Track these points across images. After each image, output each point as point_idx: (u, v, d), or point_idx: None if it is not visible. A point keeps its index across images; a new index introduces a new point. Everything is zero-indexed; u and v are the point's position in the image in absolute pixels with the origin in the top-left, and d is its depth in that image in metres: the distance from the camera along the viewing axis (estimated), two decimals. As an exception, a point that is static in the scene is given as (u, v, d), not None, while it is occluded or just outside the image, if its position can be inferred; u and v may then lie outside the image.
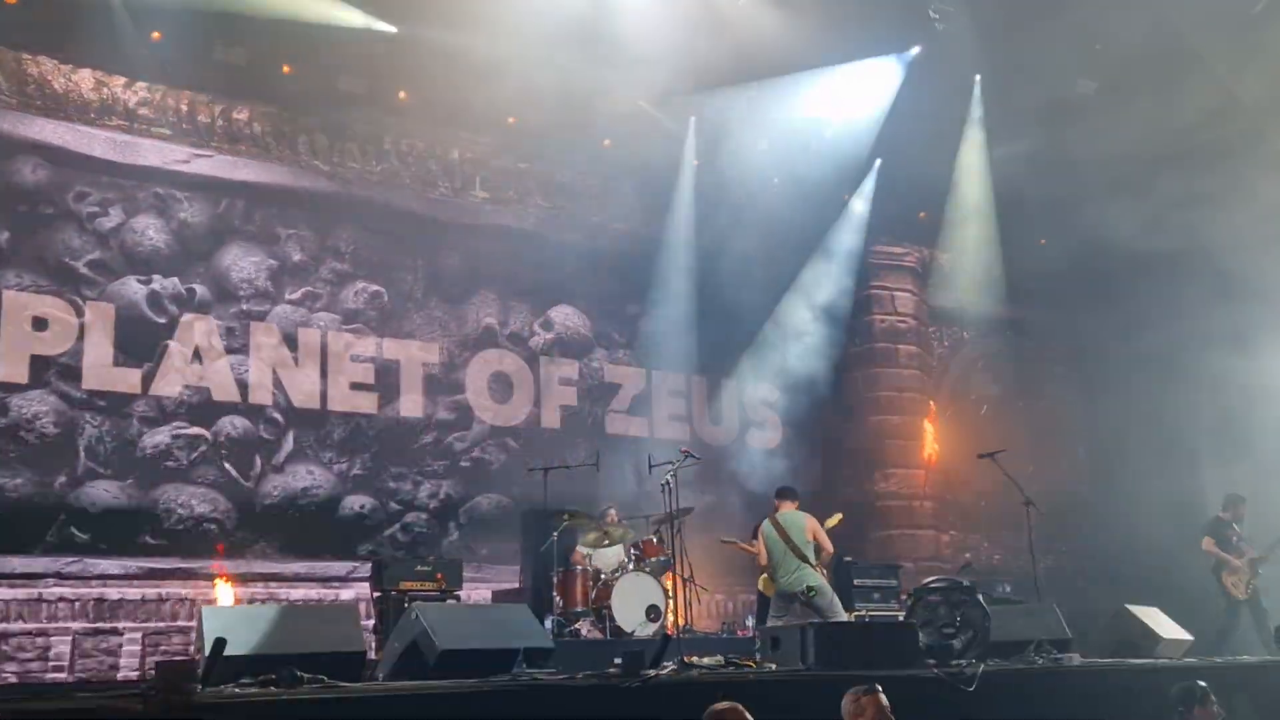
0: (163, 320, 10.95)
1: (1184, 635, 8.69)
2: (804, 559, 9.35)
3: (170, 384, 10.90)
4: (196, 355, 11.06)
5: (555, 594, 9.55)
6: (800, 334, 13.96)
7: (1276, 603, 11.00)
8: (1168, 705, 6.35)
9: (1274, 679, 8.19)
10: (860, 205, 14.36)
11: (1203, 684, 6.36)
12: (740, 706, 4.93)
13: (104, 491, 10.42)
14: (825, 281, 14.28)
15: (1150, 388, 14.18)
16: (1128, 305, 14.44)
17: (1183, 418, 14.43)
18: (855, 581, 10.92)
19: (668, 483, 9.22)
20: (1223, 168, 12.63)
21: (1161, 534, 13.53)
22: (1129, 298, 14.24)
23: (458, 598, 9.37)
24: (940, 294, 15.55)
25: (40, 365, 10.32)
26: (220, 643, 5.14)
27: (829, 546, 9.67)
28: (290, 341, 11.60)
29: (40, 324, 10.37)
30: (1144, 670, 7.71)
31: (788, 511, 9.64)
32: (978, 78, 13.12)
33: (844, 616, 9.42)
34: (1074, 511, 14.68)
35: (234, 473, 11.05)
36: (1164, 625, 8.67)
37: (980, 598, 7.76)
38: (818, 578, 9.37)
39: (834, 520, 10.44)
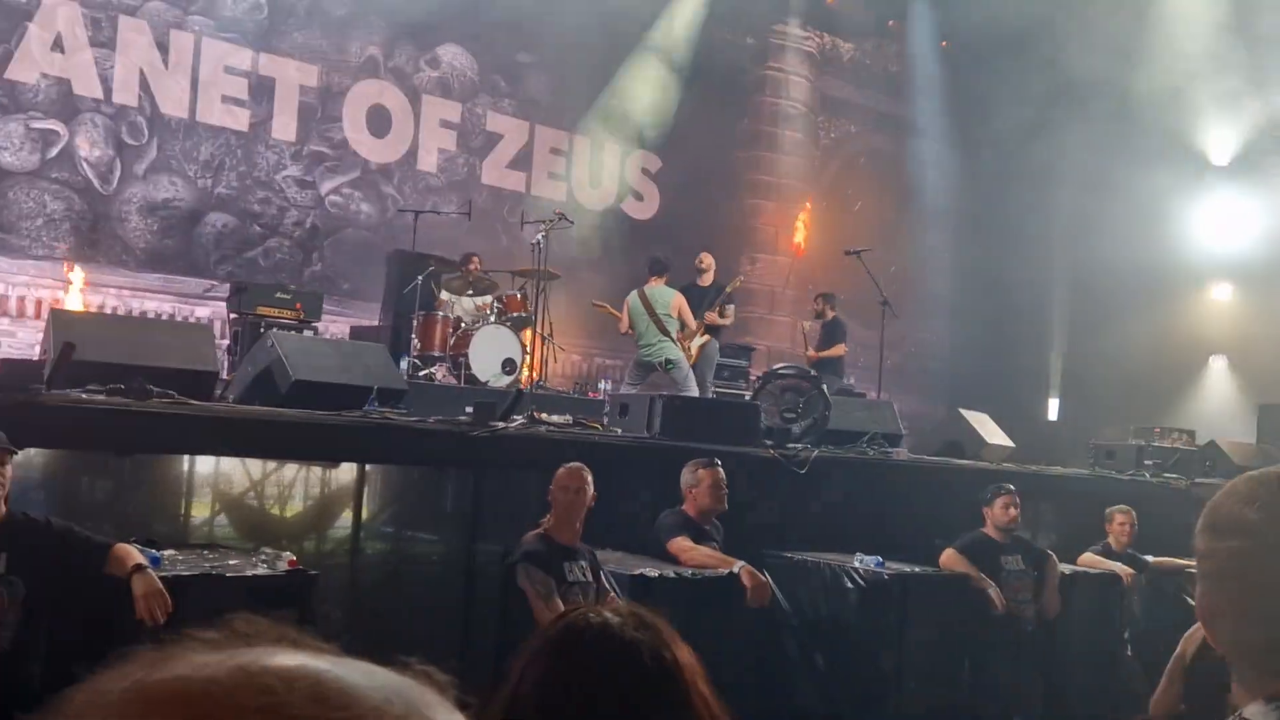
0: (23, 0, 10.24)
1: (1007, 442, 9.22)
2: (665, 333, 9.65)
3: (27, 70, 10.28)
4: (58, 44, 10.42)
5: (414, 336, 9.58)
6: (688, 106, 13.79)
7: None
8: (980, 500, 6.82)
9: (1074, 487, 8.83)
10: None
11: (1009, 485, 6.82)
12: (583, 468, 5.13)
13: (-50, 177, 9.94)
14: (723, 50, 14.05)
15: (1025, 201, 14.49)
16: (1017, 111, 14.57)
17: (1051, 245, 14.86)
18: (709, 358, 11.16)
19: (538, 242, 9.23)
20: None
21: (1005, 343, 14.21)
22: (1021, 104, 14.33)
23: (315, 329, 9.32)
24: (835, 84, 15.49)
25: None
26: (69, 346, 5.06)
27: (692, 323, 9.95)
28: (161, 45, 10.99)
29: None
30: (965, 470, 8.19)
31: (657, 286, 9.87)
32: None
33: (695, 391, 9.74)
34: (929, 316, 15.20)
35: (91, 175, 10.61)
36: (990, 430, 9.17)
37: (824, 388, 8.09)
38: (677, 351, 9.68)
39: (735, 283, 10.70)
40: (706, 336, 10.33)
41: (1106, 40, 13.06)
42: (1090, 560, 7.37)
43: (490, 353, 9.45)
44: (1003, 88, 13.68)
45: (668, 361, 9.60)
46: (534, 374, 9.49)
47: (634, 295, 9.93)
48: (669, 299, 9.81)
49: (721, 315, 10.44)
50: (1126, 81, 13.01)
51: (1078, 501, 8.59)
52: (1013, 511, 6.66)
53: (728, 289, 10.45)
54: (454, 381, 9.40)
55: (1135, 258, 12.84)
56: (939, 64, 15.53)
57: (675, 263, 10.42)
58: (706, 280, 10.63)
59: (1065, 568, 6.98)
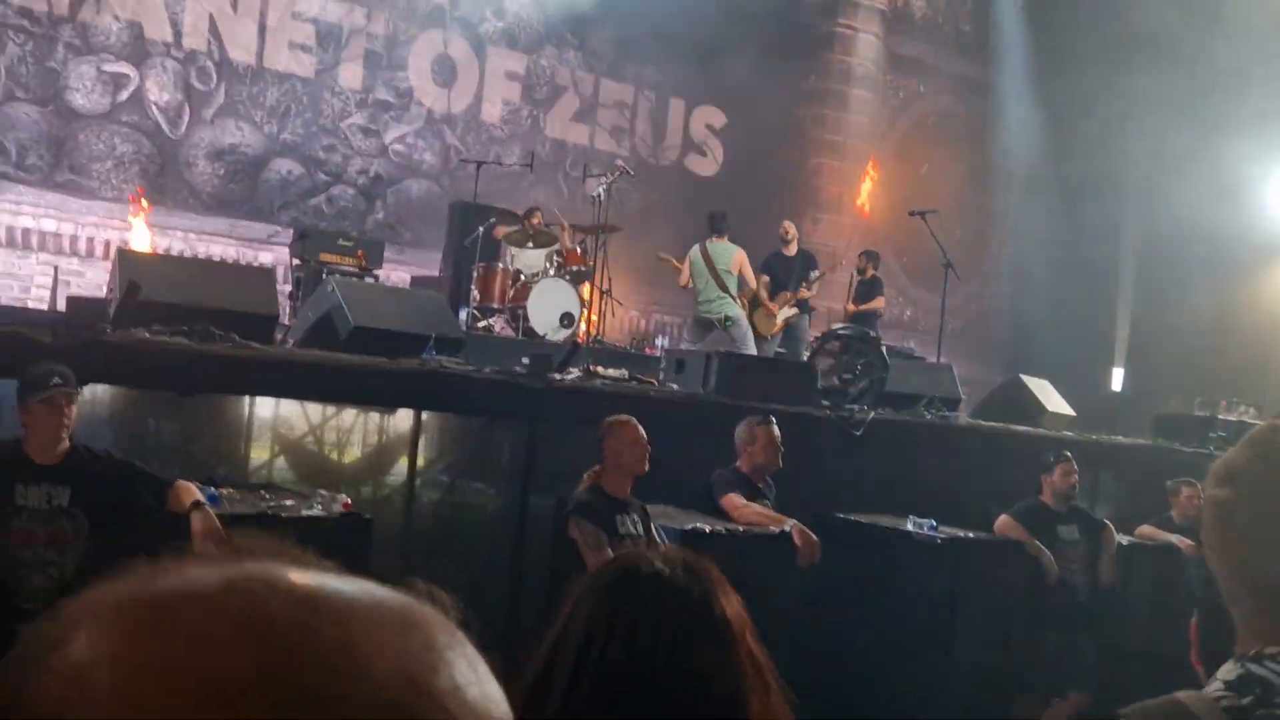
0: (97, -57, 10.33)
1: (1068, 410, 9.09)
2: (725, 289, 9.65)
3: (100, 13, 10.38)
4: (130, -12, 10.50)
5: (473, 287, 9.60)
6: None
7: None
8: (1038, 467, 6.73)
9: (1136, 459, 8.70)
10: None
11: (1067, 452, 6.73)
12: (634, 420, 5.13)
13: (24, 115, 10.08)
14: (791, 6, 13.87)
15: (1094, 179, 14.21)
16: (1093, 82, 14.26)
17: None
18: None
19: (599, 195, 9.20)
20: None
21: (1070, 311, 13.97)
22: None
23: (376, 277, 9.39)
24: (905, 43, 15.23)
25: (-39, -29, 9.75)
26: (134, 286, 5.13)
27: (752, 282, 9.98)
28: (230, -12, 11.05)
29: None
30: (1023, 436, 8.10)
31: (719, 243, 9.89)
32: None
33: (753, 349, 9.73)
34: (993, 280, 15.00)
35: (160, 119, 10.72)
36: (1051, 398, 9.05)
37: (883, 349, 8.01)
38: (736, 309, 9.68)
39: (830, 269, 10.93)
40: (795, 310, 10.33)
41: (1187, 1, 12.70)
42: (1148, 532, 7.27)
43: (549, 305, 9.45)
44: (1078, 48, 13.38)
45: (726, 318, 9.60)
46: (590, 329, 9.50)
47: (695, 250, 9.95)
48: (730, 255, 9.82)
49: (809, 288, 10.48)
50: (1210, 46, 12.64)
51: (1139, 473, 8.47)
52: (1072, 479, 6.58)
53: (823, 273, 10.47)
54: (512, 334, 9.43)
55: (1207, 228, 12.54)
56: (1016, 24, 15.20)
57: (737, 221, 10.36)
58: (791, 250, 10.63)
59: (1123, 538, 6.89)
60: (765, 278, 10.67)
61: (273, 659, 0.47)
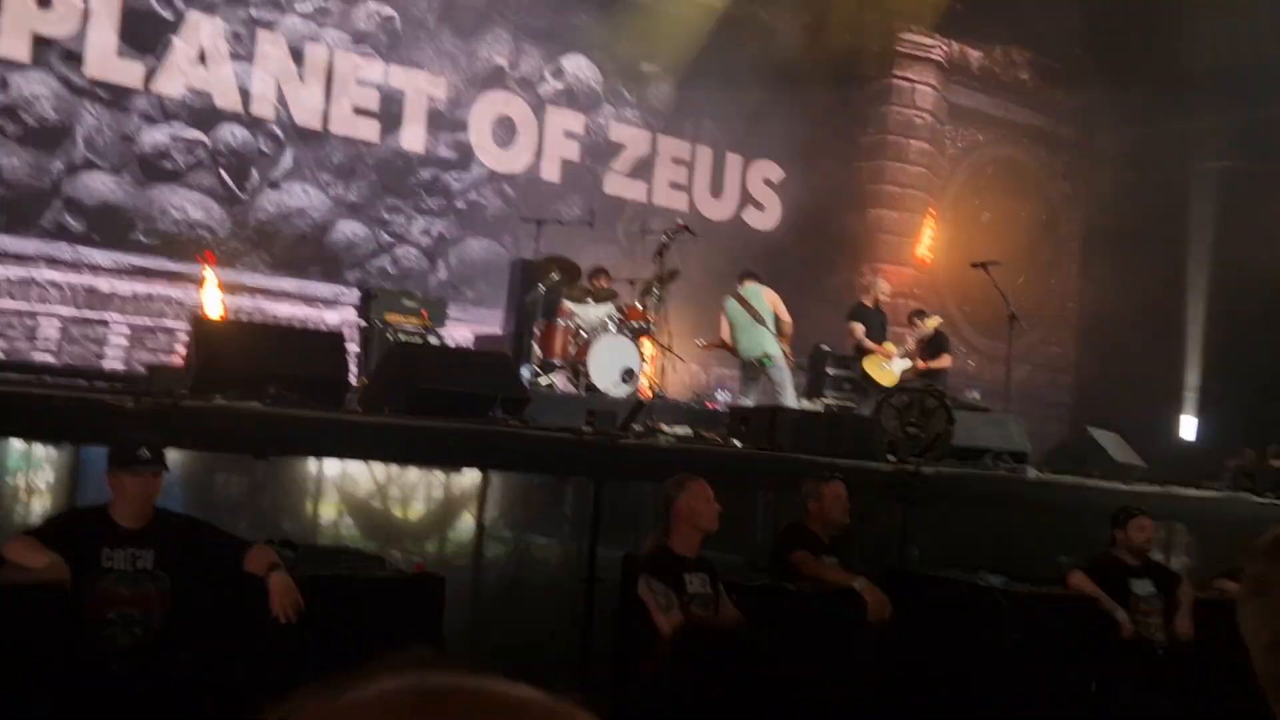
0: (169, 15, 10.65)
1: (1138, 461, 8.96)
2: (763, 324, 9.79)
3: (173, 83, 10.70)
4: (201, 58, 10.81)
5: (535, 344, 9.70)
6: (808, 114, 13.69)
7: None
8: (1110, 521, 6.63)
9: (1211, 511, 8.53)
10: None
11: (1142, 507, 6.62)
12: (703, 479, 5.14)
13: (100, 184, 10.39)
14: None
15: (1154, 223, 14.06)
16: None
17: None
18: (829, 370, 11.05)
19: (659, 250, 9.28)
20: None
21: (1137, 359, 13.78)
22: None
23: (440, 336, 9.51)
24: (963, 93, 15.24)
25: (42, 45, 10.09)
26: (210, 355, 5.26)
27: (788, 319, 10.08)
28: (297, 56, 11.34)
29: (43, 0, 10.09)
30: (1093, 490, 7.97)
31: (750, 285, 10.04)
32: None
33: (792, 394, 9.76)
34: (1059, 330, 14.85)
35: (230, 183, 11.00)
36: (1120, 450, 8.93)
37: (947, 402, 7.97)
38: (776, 347, 9.78)
39: (934, 323, 10.83)
40: (908, 362, 10.54)
41: (1241, 32, 12.56)
42: (1229, 586, 7.12)
43: (610, 361, 9.51)
44: (1140, 93, 13.30)
45: (766, 356, 9.71)
46: (653, 384, 9.54)
47: (729, 300, 10.14)
48: (762, 294, 9.98)
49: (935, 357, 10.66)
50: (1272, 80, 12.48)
51: (1213, 524, 8.31)
52: (1147, 533, 6.47)
53: (936, 327, 10.63)
54: (573, 390, 9.49)
55: (1276, 272, 12.35)
56: (1072, 72, 15.17)
57: (797, 274, 10.41)
58: (870, 300, 10.75)
59: (1199, 593, 6.75)
60: (860, 326, 10.74)
61: None
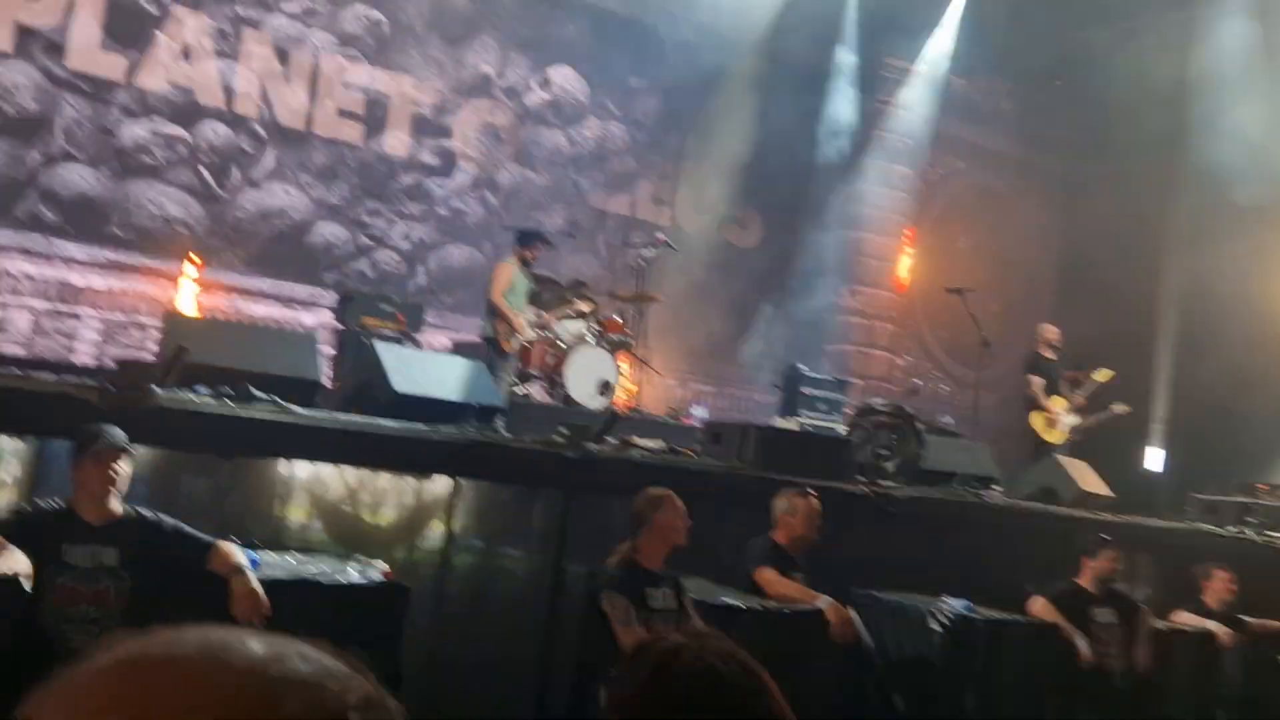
0: (154, 9, 10.62)
1: (1105, 491, 9.02)
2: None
3: (155, 78, 10.66)
4: (185, 53, 10.79)
5: (514, 354, 9.68)
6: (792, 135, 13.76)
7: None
8: (1077, 550, 6.68)
9: (1177, 541, 8.59)
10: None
11: (1106, 536, 6.67)
12: (673, 494, 5.14)
13: (78, 177, 10.33)
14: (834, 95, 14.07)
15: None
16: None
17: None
18: (803, 390, 11.10)
19: (641, 264, 9.29)
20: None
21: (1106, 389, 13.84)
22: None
23: (417, 342, 9.49)
24: (945, 120, 15.34)
25: (25, 36, 10.05)
26: (182, 349, 5.23)
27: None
28: (282, 55, 11.32)
29: (28, -9, 10.06)
30: (1059, 517, 8.03)
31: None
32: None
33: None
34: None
35: (210, 180, 10.96)
36: (1088, 478, 8.99)
37: (919, 425, 8.01)
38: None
39: (1105, 376, 10.77)
40: (1081, 419, 10.51)
41: (1219, 82, 12.72)
42: (1185, 618, 7.18)
43: (587, 374, 9.52)
44: (1117, 127, 13.42)
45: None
46: (629, 398, 9.55)
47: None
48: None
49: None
50: (1245, 119, 12.63)
51: (1174, 555, 8.36)
52: (1116, 565, 6.54)
53: (1096, 378, 10.53)
54: (550, 400, 9.49)
55: (1245, 304, 12.47)
56: (1050, 105, 15.30)
57: (778, 291, 10.39)
58: (1048, 351, 10.72)
59: (1159, 624, 6.81)
60: (1040, 380, 10.59)
61: None
